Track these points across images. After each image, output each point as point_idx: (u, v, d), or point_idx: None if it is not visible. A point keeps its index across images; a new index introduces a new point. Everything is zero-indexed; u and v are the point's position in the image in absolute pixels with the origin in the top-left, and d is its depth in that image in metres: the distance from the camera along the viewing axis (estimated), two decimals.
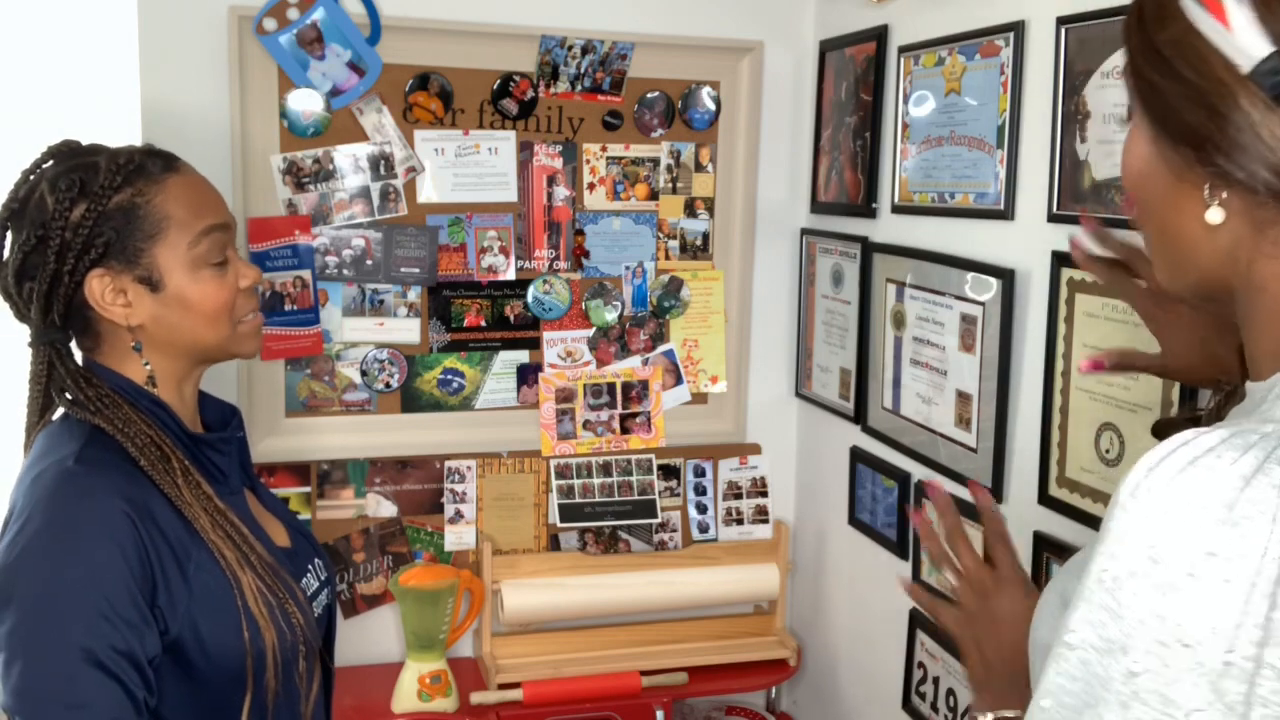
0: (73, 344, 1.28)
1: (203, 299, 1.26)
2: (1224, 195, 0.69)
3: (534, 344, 2.19)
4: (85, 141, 1.30)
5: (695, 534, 2.30)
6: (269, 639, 1.20)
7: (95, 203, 1.20)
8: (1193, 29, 0.68)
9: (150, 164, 1.26)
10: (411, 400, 2.14)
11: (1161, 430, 0.97)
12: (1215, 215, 0.70)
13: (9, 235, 1.24)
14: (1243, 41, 0.66)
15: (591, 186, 2.17)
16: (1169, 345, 1.06)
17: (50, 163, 1.26)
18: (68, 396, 1.24)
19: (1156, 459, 0.63)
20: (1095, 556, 0.63)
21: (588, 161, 2.17)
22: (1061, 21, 1.49)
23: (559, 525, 2.21)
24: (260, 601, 1.20)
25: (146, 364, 1.26)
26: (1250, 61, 0.66)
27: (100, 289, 1.22)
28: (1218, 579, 0.58)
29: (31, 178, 1.25)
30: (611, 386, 2.22)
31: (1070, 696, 0.63)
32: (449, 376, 2.15)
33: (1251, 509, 0.58)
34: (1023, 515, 1.58)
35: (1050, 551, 1.52)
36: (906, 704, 1.92)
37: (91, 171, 1.22)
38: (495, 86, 2.09)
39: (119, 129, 1.33)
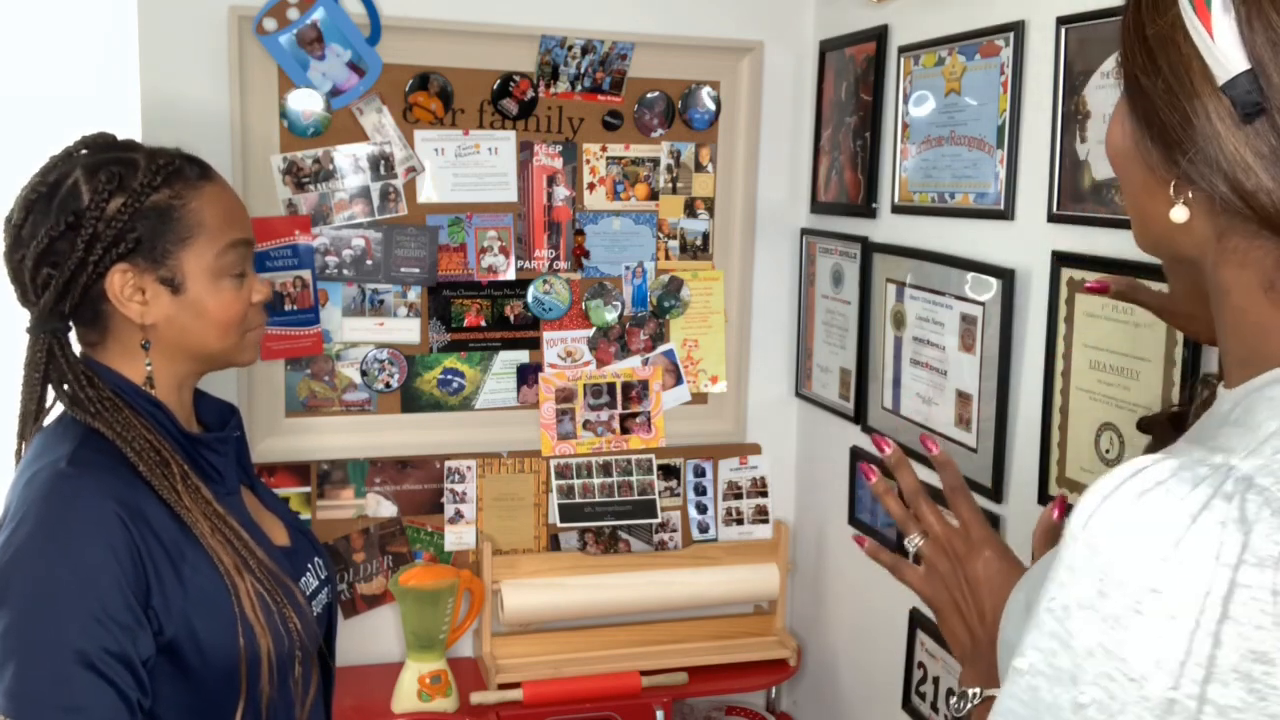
0: (71, 335, 1.28)
1: (219, 308, 1.27)
2: (1189, 195, 0.69)
3: (534, 344, 2.19)
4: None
5: (695, 534, 2.30)
6: (264, 645, 1.20)
7: (133, 198, 1.21)
8: (1181, 28, 0.67)
9: (188, 169, 1.27)
10: (411, 400, 2.14)
11: (1146, 426, 0.96)
12: (1179, 214, 0.70)
13: (31, 218, 1.23)
14: (1222, 53, 0.65)
15: (591, 186, 2.17)
16: (1176, 288, 1.06)
17: (84, 151, 1.26)
18: (66, 389, 1.24)
19: (1109, 488, 0.62)
20: (1047, 584, 0.63)
21: (588, 161, 2.17)
22: (1061, 21, 1.49)
23: (559, 525, 2.20)
24: (257, 606, 1.20)
25: (148, 364, 1.26)
26: (1226, 74, 0.65)
27: (121, 284, 1.22)
28: (1162, 615, 0.58)
29: (63, 164, 1.25)
30: (611, 386, 2.22)
31: None
32: (449, 376, 2.15)
33: (1196, 546, 0.58)
34: (1023, 515, 1.58)
35: None
36: (906, 704, 1.92)
37: (131, 167, 1.23)
38: (495, 86, 2.09)
39: (119, 129, 1.33)
